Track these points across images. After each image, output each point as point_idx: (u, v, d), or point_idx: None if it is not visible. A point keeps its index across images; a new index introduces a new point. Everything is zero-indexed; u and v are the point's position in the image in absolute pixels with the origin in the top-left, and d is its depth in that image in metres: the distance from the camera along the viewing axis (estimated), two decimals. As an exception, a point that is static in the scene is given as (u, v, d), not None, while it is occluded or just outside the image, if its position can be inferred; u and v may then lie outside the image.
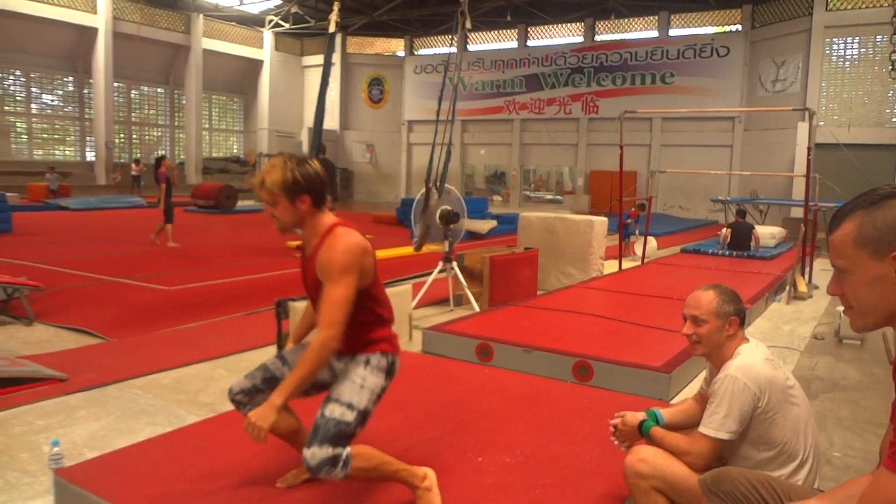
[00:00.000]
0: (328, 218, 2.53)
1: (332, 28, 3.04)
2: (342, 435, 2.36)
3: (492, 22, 26.75)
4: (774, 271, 9.51)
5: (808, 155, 8.93)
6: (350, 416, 2.38)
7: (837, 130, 17.78)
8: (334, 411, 2.38)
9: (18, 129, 24.38)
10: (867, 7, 19.41)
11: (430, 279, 7.21)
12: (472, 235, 13.00)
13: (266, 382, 2.61)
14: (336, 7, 3.01)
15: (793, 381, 2.36)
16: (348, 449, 2.37)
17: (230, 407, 3.98)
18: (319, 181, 2.49)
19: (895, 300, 1.22)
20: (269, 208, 2.49)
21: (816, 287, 9.03)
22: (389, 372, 2.56)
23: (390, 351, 2.58)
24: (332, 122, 30.82)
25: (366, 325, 2.52)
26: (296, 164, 2.44)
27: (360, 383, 2.46)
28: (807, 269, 9.29)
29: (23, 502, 2.92)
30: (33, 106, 24.80)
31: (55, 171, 20.74)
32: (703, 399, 2.56)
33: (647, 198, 11.51)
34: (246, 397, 2.62)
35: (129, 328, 5.93)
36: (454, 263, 7.10)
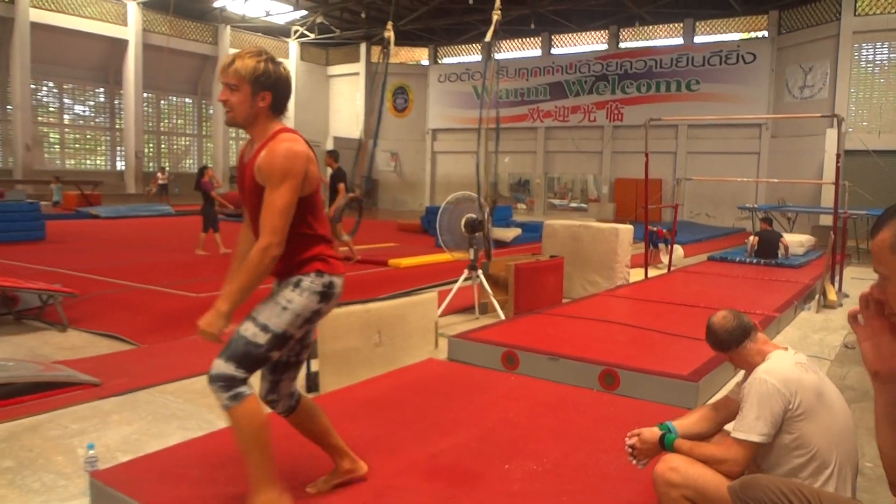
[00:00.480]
0: (278, 124, 2.43)
1: (388, 37, 3.11)
2: (249, 356, 2.31)
3: (516, 30, 26.80)
4: (803, 279, 9.39)
5: (837, 162, 8.83)
6: (262, 339, 2.32)
7: (867, 137, 17.51)
8: (248, 329, 2.33)
9: (52, 140, 24.91)
10: (897, 12, 19.15)
11: (455, 287, 7.23)
12: (497, 244, 13.00)
13: (274, 372, 2.57)
14: (390, 26, 3.10)
15: (830, 387, 2.34)
16: (253, 391, 2.34)
17: (259, 412, 4.06)
18: (285, 85, 2.42)
19: None
20: (226, 93, 2.37)
21: (847, 295, 8.90)
22: (325, 295, 2.43)
23: (326, 271, 2.44)
24: (356, 131, 31.03)
25: (302, 241, 2.40)
26: (270, 59, 2.38)
27: (283, 305, 2.36)
28: (837, 278, 9.17)
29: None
30: (66, 116, 25.33)
31: (60, 181, 21.10)
32: (723, 405, 2.56)
33: (674, 205, 11.43)
34: (274, 394, 2.61)
35: (160, 334, 6.03)
36: (479, 271, 7.12)
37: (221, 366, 2.30)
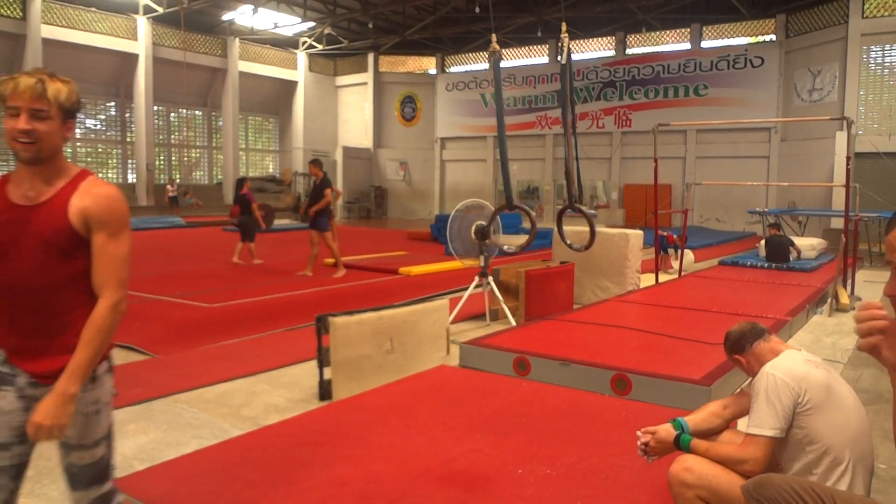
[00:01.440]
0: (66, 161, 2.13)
1: (493, 47, 3.19)
2: (104, 470, 2.11)
3: (523, 38, 26.88)
4: (815, 283, 9.34)
5: (847, 164, 8.81)
6: (102, 451, 2.08)
7: (877, 139, 17.44)
8: (83, 458, 2.04)
9: (65, 154, 25.12)
10: (905, 14, 19.10)
11: (466, 294, 7.25)
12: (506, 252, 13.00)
13: (13, 478, 2.05)
14: (494, 37, 3.16)
15: (841, 385, 2.35)
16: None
17: (273, 420, 4.10)
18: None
19: None
20: (32, 121, 1.94)
21: (859, 299, 8.85)
22: (111, 368, 2.13)
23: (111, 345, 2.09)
24: (365, 140, 31.19)
25: (84, 312, 1.97)
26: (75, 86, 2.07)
27: (93, 410, 2.03)
28: (849, 281, 9.12)
29: (78, 512, 3.01)
30: (78, 130, 25.56)
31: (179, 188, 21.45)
32: (735, 401, 2.59)
33: (684, 210, 11.42)
34: None
35: (173, 344, 6.08)
36: (490, 278, 7.14)
37: (88, 496, 2.07)
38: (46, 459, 3.53)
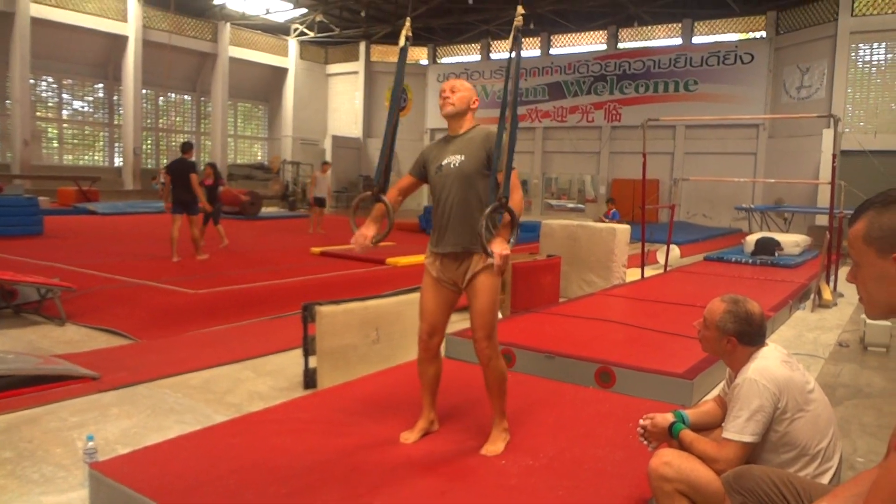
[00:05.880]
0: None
1: (401, 42, 3.15)
2: None
3: (515, 30, 26.79)
4: (799, 279, 9.43)
5: (834, 162, 8.87)
6: None
7: (863, 137, 17.57)
8: None
9: (50, 135, 24.88)
10: (894, 12, 19.20)
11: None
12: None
13: None
14: (408, 22, 3.11)
15: (812, 383, 2.39)
16: None
17: (257, 407, 4.09)
18: None
19: None
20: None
21: (842, 295, 8.94)
22: None
23: None
24: (355, 129, 31.06)
25: None
26: None
27: None
28: (832, 278, 9.21)
29: (58, 495, 3.01)
30: (64, 112, 25.31)
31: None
32: (723, 402, 2.61)
33: (671, 205, 11.47)
34: None
35: (158, 330, 6.05)
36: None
37: None
38: (28, 441, 3.52)
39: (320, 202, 15.49)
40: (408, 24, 3.22)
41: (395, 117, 3.32)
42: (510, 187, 3.01)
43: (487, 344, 3.22)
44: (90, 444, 3.15)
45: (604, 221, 12.31)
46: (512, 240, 3.03)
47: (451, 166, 3.23)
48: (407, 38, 3.25)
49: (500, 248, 2.92)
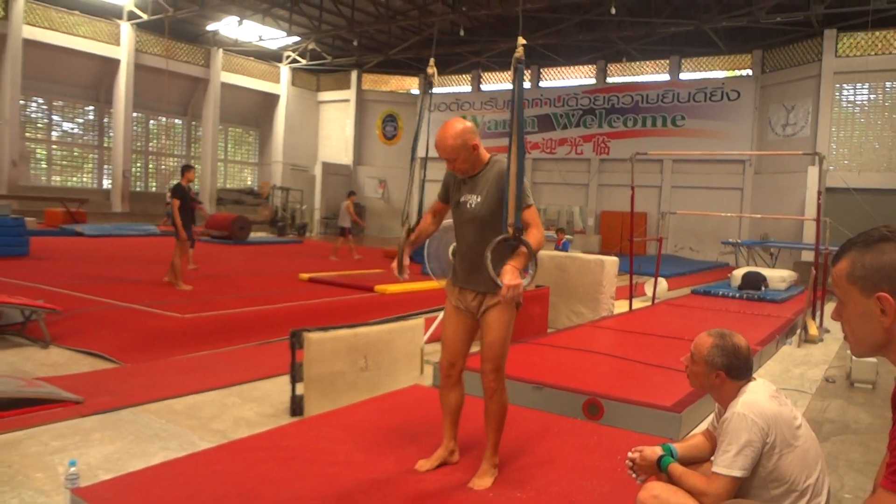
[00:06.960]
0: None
1: (432, 77, 3.25)
2: None
3: (505, 63, 27.14)
4: (785, 314, 9.49)
5: (819, 199, 8.99)
6: None
7: (847, 175, 17.84)
8: None
9: (38, 156, 24.78)
10: (876, 54, 19.64)
11: (441, 314, 7.24)
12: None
13: None
14: (432, 62, 3.20)
15: (800, 418, 2.40)
16: None
17: (243, 434, 4.05)
18: None
19: (880, 334, 1.34)
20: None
21: (828, 331, 9.00)
22: None
23: None
24: (345, 157, 31.18)
25: None
26: None
27: None
28: (818, 313, 9.28)
29: (38, 522, 2.95)
30: (54, 133, 25.25)
31: None
32: (712, 436, 2.60)
33: (658, 238, 11.56)
34: None
35: (144, 353, 5.99)
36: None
37: None
38: (7, 466, 3.46)
39: (341, 231, 16.34)
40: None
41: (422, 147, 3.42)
42: (529, 223, 3.03)
43: (495, 377, 3.20)
44: (72, 469, 3.10)
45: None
46: (531, 272, 3.03)
47: (468, 206, 3.25)
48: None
49: (509, 278, 2.94)
